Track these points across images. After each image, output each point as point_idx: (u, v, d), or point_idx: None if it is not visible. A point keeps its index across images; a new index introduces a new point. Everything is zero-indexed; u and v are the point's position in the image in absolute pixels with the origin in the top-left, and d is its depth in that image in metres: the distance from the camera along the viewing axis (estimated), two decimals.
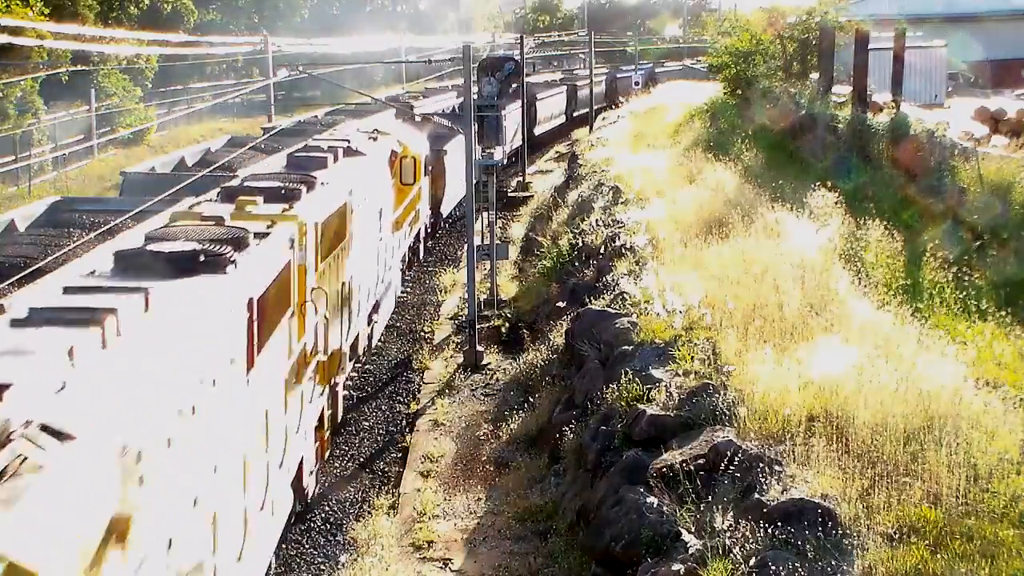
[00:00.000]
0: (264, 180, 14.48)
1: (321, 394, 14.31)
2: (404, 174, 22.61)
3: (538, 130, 48.61)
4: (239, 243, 10.40)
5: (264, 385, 10.54)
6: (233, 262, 9.81)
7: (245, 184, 14.26)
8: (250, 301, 9.78)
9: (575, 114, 57.59)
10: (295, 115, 46.36)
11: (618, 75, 69.77)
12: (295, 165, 16.46)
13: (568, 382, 15.93)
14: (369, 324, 19.46)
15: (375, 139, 20.96)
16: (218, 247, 9.89)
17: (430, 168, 28.26)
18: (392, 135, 22.87)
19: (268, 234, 11.39)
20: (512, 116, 38.74)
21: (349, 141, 18.93)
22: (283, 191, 13.53)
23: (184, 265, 9.43)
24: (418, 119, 34.25)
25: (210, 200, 13.44)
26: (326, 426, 15.00)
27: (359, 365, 19.82)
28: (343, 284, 15.79)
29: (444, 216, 32.92)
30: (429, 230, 30.37)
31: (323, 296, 13.70)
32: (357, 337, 17.81)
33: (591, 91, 52.92)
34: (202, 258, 9.58)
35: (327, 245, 14.18)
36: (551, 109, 52.58)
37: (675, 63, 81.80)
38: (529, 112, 43.99)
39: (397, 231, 22.50)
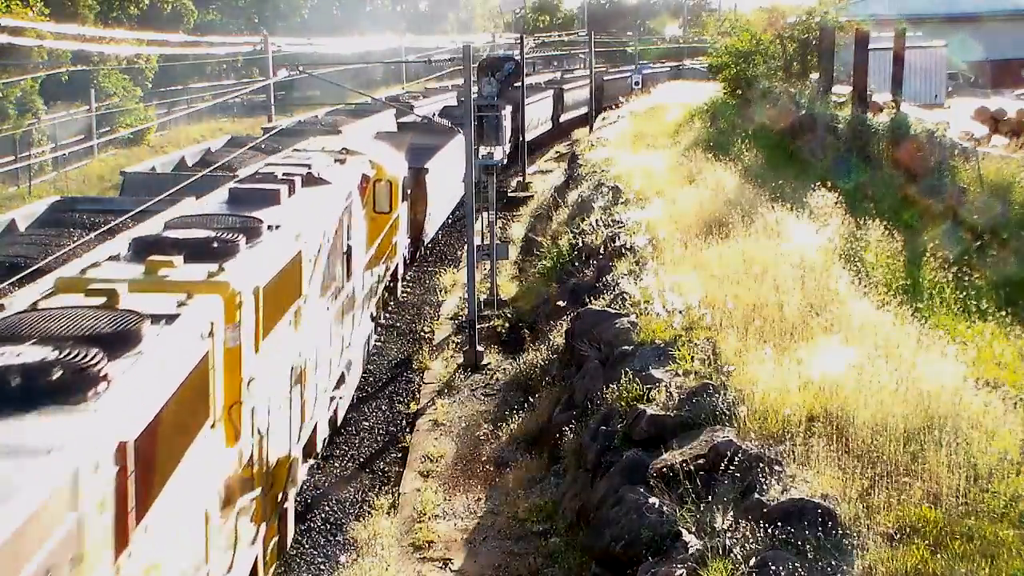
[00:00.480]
0: (192, 227, 11.29)
1: (253, 541, 10.51)
2: (378, 201, 19.38)
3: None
4: (121, 343, 7.20)
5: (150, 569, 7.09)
6: (104, 378, 6.58)
7: (165, 234, 11.03)
8: (122, 448, 6.42)
9: (562, 119, 53.96)
10: (295, 115, 46.36)
11: (606, 78, 64.43)
12: (238, 201, 13.28)
13: (568, 382, 15.93)
14: (332, 404, 15.71)
15: (343, 161, 17.67)
16: (82, 355, 6.64)
17: (409, 191, 24.50)
18: (364, 155, 19.55)
19: (176, 317, 8.17)
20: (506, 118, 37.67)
21: (310, 166, 15.76)
22: (214, 244, 10.51)
23: (18, 391, 6.24)
24: (398, 129, 32.17)
25: (115, 257, 10.31)
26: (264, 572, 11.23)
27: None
28: (295, 364, 12.29)
29: (426, 243, 29.18)
30: (408, 260, 26.32)
31: (266, 388, 10.63)
32: (315, 430, 14.21)
33: (592, 92, 52.51)
34: (54, 375, 6.34)
35: (273, 313, 10.96)
36: (535, 115, 47.81)
37: (664, 64, 77.66)
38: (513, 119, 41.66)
39: (369, 271, 19.01)
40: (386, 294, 22.27)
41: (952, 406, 10.03)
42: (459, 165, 32.10)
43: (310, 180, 15.03)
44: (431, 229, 29.24)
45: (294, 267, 11.99)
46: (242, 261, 10.34)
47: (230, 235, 10.82)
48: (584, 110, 55.75)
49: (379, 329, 21.77)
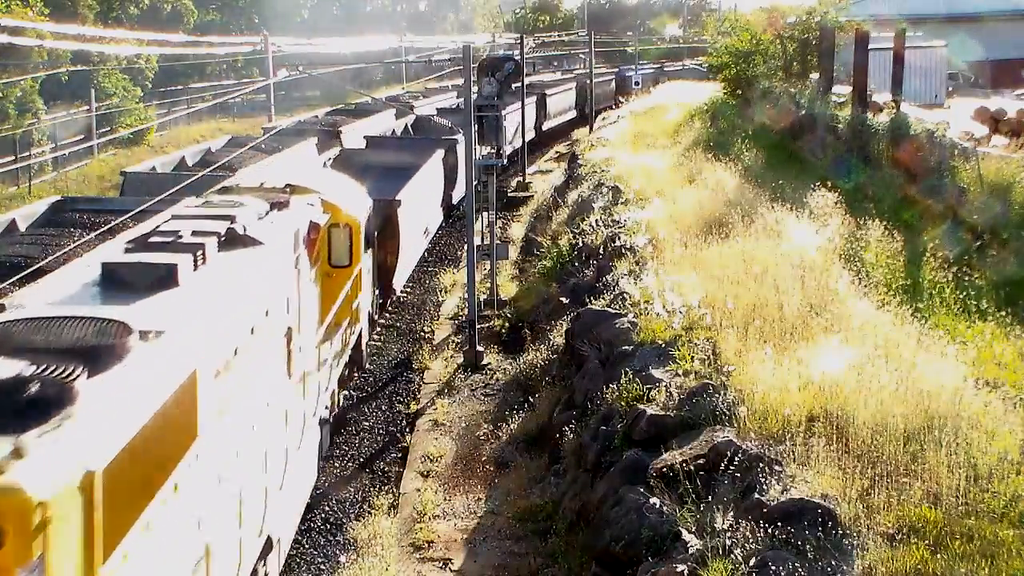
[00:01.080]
0: (3, 352, 6.72)
1: None
2: (334, 253, 15.55)
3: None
4: None
5: None
6: None
7: None
8: None
9: (545, 127, 49.92)
10: (295, 115, 46.37)
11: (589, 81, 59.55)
12: (114, 283, 8.88)
13: (568, 382, 15.94)
14: None
15: (284, 204, 13.13)
16: None
17: (376, 232, 19.44)
18: (315, 192, 15.20)
19: None
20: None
21: (234, 218, 11.26)
22: (21, 393, 6.16)
23: None
24: (366, 145, 29.07)
25: None
26: None
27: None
28: None
29: (398, 291, 23.94)
30: (376, 316, 21.09)
31: None
32: None
33: (591, 91, 51.98)
34: None
35: (138, 495, 6.94)
36: (515, 123, 41.00)
37: (648, 66, 73.83)
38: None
39: (320, 357, 14.19)
40: (347, 371, 17.33)
41: (952, 406, 10.04)
42: (437, 187, 29.03)
43: (232, 240, 10.77)
44: (404, 272, 23.98)
45: (183, 399, 7.78)
46: (71, 423, 6.18)
47: (58, 371, 6.47)
48: (570, 116, 53.90)
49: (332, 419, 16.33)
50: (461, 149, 28.14)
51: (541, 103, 49.63)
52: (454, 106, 32.62)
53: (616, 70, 68.58)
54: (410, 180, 24.35)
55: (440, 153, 29.56)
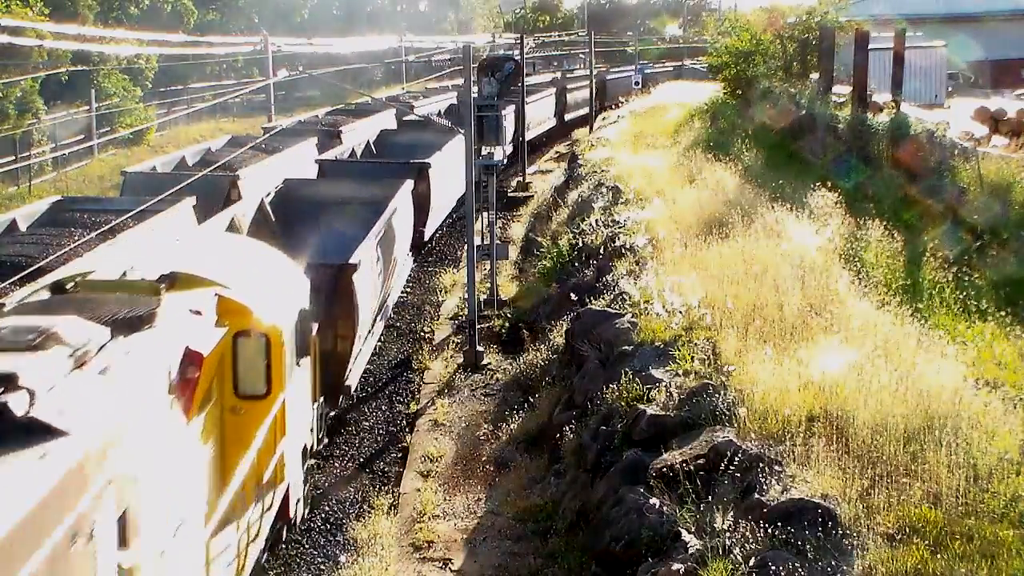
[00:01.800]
0: None
1: None
2: (243, 376, 10.68)
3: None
4: None
5: None
6: None
7: None
8: None
9: (526, 139, 42.95)
10: (295, 115, 46.34)
11: (570, 86, 55.33)
12: None
13: (568, 382, 15.93)
14: None
15: (142, 321, 8.22)
16: None
17: (312, 332, 13.22)
18: (211, 284, 10.41)
19: None
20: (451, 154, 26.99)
21: (16, 378, 6.13)
22: None
23: None
24: (319, 172, 24.08)
25: None
26: None
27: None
28: None
29: (354, 387, 17.81)
30: (316, 443, 14.08)
31: None
32: None
33: (592, 91, 51.83)
34: None
35: None
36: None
37: (629, 67, 71.42)
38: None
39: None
40: (267, 556, 12.30)
41: (952, 406, 10.04)
42: (406, 227, 23.31)
43: None
44: (362, 359, 18.29)
45: None
46: None
47: None
48: (550, 125, 52.83)
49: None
50: (434, 172, 27.11)
51: (520, 114, 40.44)
52: (425, 116, 30.66)
53: (596, 74, 67.09)
54: (371, 229, 18.64)
55: (409, 184, 23.86)
